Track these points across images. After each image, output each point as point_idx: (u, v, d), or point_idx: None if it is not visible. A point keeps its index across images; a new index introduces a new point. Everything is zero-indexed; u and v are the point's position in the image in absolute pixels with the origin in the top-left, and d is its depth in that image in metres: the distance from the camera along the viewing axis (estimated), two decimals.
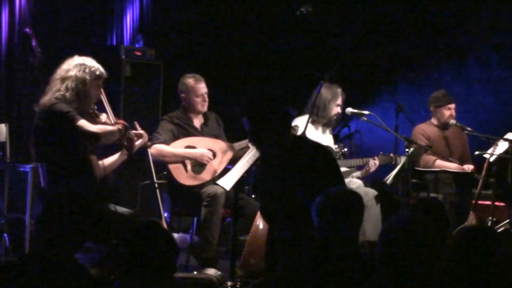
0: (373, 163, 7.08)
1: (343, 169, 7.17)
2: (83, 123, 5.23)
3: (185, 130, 6.73)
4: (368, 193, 6.76)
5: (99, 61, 5.58)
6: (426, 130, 7.50)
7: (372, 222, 6.60)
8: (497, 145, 6.99)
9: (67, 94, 5.31)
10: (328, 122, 7.18)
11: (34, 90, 5.52)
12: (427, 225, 3.22)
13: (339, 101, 7.12)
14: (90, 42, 8.53)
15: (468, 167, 7.32)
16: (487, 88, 8.93)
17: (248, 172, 6.20)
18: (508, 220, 6.84)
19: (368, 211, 6.51)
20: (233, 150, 6.66)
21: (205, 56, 9.50)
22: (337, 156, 7.13)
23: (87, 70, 5.39)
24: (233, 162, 6.41)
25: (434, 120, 7.58)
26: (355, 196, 3.87)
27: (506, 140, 6.95)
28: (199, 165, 6.57)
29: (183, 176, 6.51)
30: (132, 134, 5.60)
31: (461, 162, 7.34)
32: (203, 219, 6.38)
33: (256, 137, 4.78)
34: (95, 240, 5.52)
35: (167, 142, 6.55)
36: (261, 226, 6.06)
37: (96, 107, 5.51)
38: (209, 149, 6.64)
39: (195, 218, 6.71)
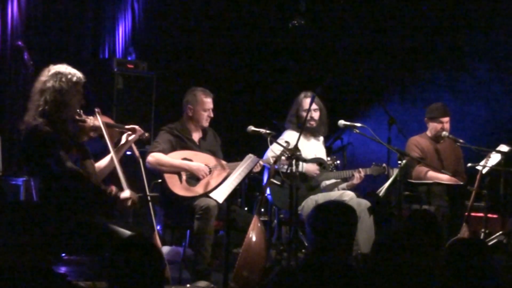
0: (358, 176, 7.09)
1: (331, 181, 7.19)
2: (61, 155, 5.18)
3: (183, 142, 6.74)
4: (361, 204, 6.76)
5: (91, 73, 5.55)
6: (420, 142, 7.51)
7: (365, 234, 6.60)
8: (489, 157, 6.99)
9: (47, 108, 5.24)
10: (311, 130, 7.18)
11: (26, 103, 5.48)
12: (420, 237, 3.22)
13: (305, 106, 7.10)
14: (83, 55, 8.53)
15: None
16: (480, 101, 8.96)
17: (240, 184, 6.20)
18: (500, 232, 6.85)
19: (360, 222, 6.51)
20: (226, 170, 6.66)
21: (197, 69, 9.51)
22: (330, 169, 7.14)
23: (63, 79, 5.30)
24: (225, 178, 6.41)
25: (428, 132, 7.59)
26: (348, 209, 3.87)
27: (498, 152, 6.96)
28: (194, 178, 6.56)
29: (177, 186, 6.51)
30: (121, 201, 5.46)
31: (454, 175, 7.34)
32: (196, 232, 6.37)
33: None
34: (87, 254, 5.50)
35: (165, 151, 6.56)
36: (254, 239, 6.05)
37: (82, 112, 5.44)
38: (205, 165, 6.65)
39: (188, 231, 6.69)
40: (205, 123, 6.82)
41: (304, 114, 7.03)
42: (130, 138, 5.64)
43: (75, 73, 5.38)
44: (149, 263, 3.25)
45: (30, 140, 5.21)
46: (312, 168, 7.04)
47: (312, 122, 7.17)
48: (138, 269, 3.22)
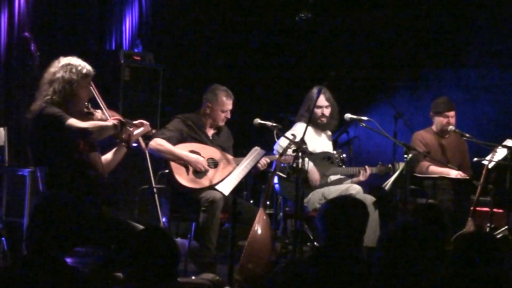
0: (363, 174, 7.06)
1: (336, 177, 7.18)
2: (72, 121, 5.18)
3: (196, 134, 6.74)
4: (366, 199, 6.74)
5: (98, 65, 5.56)
6: (424, 136, 7.50)
7: (370, 228, 6.52)
8: (495, 151, 6.99)
9: (55, 97, 5.26)
10: (318, 125, 7.18)
11: (33, 94, 5.49)
12: (425, 231, 3.22)
13: (318, 102, 7.05)
14: (89, 47, 8.53)
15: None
16: (486, 95, 8.95)
17: (246, 177, 6.20)
18: (506, 227, 6.84)
19: None
20: (232, 164, 6.66)
21: (204, 61, 9.51)
22: (337, 162, 7.12)
23: (73, 70, 5.33)
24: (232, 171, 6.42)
25: (433, 127, 7.58)
26: (360, 204, 3.88)
27: (504, 146, 6.95)
28: (201, 171, 6.57)
29: (184, 177, 6.52)
30: (130, 130, 5.53)
31: (460, 170, 7.33)
32: (202, 224, 6.38)
33: None
34: (94, 245, 5.51)
35: (171, 140, 6.56)
36: (259, 231, 6.06)
37: (90, 105, 5.47)
38: (212, 158, 6.65)
39: (194, 223, 6.70)
40: (221, 123, 6.82)
41: (317, 110, 7.04)
42: (136, 132, 5.65)
43: (85, 66, 5.41)
44: (167, 255, 3.26)
45: (38, 122, 5.25)
46: (315, 176, 6.99)
47: (323, 119, 7.16)
48: (156, 260, 3.24)
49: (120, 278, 4.91)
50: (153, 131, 5.89)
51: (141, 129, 5.66)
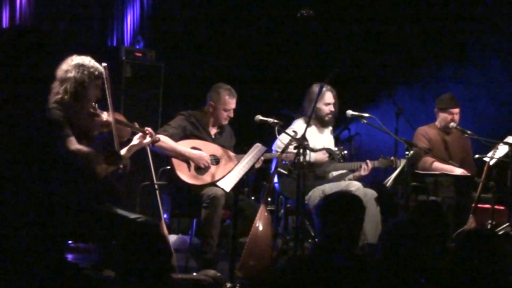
0: (365, 167, 7.06)
1: (338, 172, 7.19)
2: (67, 140, 5.16)
3: (198, 131, 6.74)
4: (367, 194, 6.75)
5: (99, 61, 5.54)
6: (428, 132, 7.50)
7: (371, 224, 6.60)
8: (497, 148, 6.99)
9: (66, 97, 5.27)
10: (323, 122, 7.17)
11: None
12: (426, 228, 3.22)
13: (327, 100, 7.07)
14: (91, 43, 8.53)
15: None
16: (487, 92, 8.94)
17: (248, 174, 6.20)
18: (507, 224, 6.84)
19: (367, 212, 6.46)
20: (233, 161, 6.65)
21: (205, 58, 9.50)
22: (338, 158, 7.12)
23: (85, 72, 5.33)
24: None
25: (437, 123, 7.58)
26: (355, 199, 3.88)
27: (506, 143, 6.95)
28: (204, 167, 6.57)
29: (186, 174, 6.52)
30: (125, 162, 5.49)
31: (462, 167, 7.33)
32: (203, 221, 6.38)
33: None
34: (94, 241, 5.52)
35: (173, 137, 6.57)
36: (260, 228, 6.06)
37: (97, 106, 5.46)
38: (213, 155, 6.65)
39: (195, 220, 6.71)
40: (224, 122, 6.82)
41: (325, 107, 7.05)
42: (145, 141, 5.66)
43: (98, 67, 5.41)
44: (155, 251, 3.26)
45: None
46: (320, 156, 7.01)
47: (330, 115, 7.17)
48: (145, 258, 3.23)
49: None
50: (157, 137, 5.90)
51: (148, 139, 5.67)
